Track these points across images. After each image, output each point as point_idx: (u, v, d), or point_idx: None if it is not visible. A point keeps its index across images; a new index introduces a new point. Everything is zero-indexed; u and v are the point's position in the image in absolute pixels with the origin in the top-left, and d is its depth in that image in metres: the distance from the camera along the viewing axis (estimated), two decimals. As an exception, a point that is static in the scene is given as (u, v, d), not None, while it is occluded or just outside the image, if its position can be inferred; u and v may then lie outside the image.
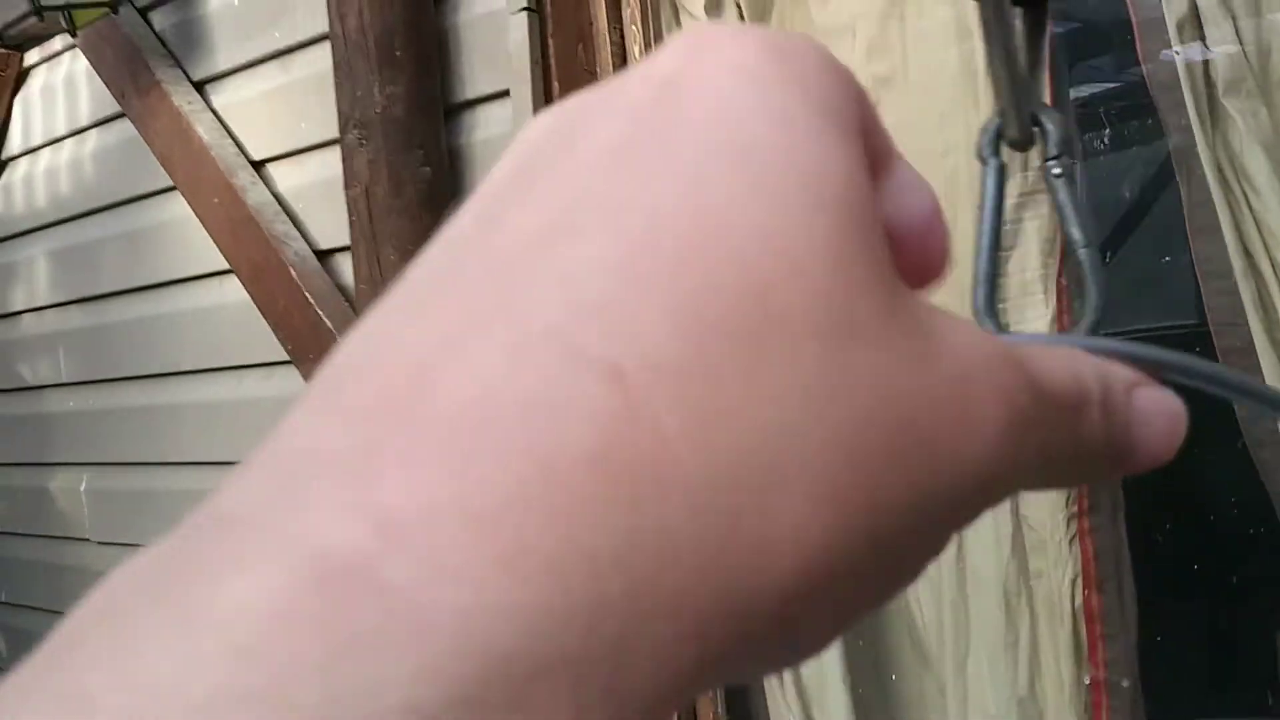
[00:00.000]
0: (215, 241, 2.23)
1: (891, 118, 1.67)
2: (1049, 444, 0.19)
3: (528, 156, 0.18)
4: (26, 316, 2.95)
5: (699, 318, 0.15)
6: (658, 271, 0.15)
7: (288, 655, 0.12)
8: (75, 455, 2.83)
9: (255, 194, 2.15)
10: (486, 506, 0.13)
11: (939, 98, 1.60)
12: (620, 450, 0.14)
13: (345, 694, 0.12)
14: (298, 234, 2.11)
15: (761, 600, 0.15)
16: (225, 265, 2.23)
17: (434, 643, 0.12)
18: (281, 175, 2.19)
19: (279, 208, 2.14)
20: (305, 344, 2.04)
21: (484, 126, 1.86)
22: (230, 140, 2.23)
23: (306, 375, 2.05)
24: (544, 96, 1.70)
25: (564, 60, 1.71)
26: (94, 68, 2.48)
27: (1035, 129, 0.43)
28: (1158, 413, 0.21)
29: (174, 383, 2.52)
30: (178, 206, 2.33)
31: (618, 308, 0.15)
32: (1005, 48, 0.42)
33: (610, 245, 0.15)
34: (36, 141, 2.81)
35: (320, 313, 2.00)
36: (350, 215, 1.86)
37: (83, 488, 2.84)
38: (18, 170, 2.90)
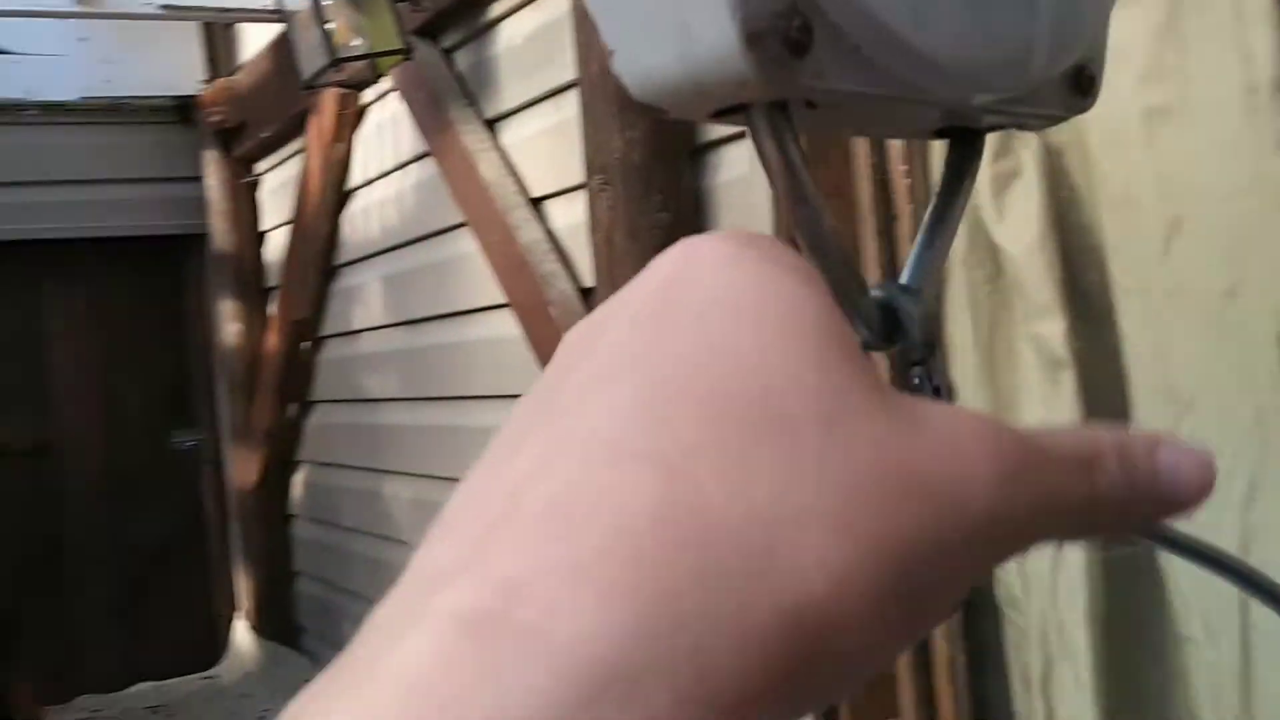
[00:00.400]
0: (496, 276, 2.30)
1: (1167, 155, 1.45)
2: (1056, 495, 0.23)
3: (572, 345, 0.23)
4: (365, 335, 3.21)
5: (717, 414, 0.20)
6: (681, 390, 0.20)
7: (451, 686, 0.17)
8: (402, 465, 3.04)
9: (528, 231, 2.20)
10: (581, 561, 0.18)
11: (1223, 130, 1.36)
12: (673, 508, 0.18)
13: (501, 704, 0.16)
14: (564, 272, 2.13)
15: (806, 616, 0.18)
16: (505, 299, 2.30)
17: (561, 658, 0.17)
18: (556, 212, 2.22)
19: (550, 245, 2.18)
20: (564, 382, 2.07)
21: (728, 167, 1.79)
22: (512, 178, 2.30)
23: (566, 412, 2.07)
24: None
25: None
26: (408, 107, 2.64)
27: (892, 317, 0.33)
28: (1185, 462, 0.24)
29: (471, 406, 2.65)
30: (470, 242, 2.43)
31: (654, 417, 0.19)
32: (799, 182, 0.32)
33: (641, 378, 0.20)
34: (371, 174, 3.04)
35: (575, 353, 2.01)
36: (594, 259, 1.86)
37: (407, 496, 3.05)
38: (358, 201, 3.15)
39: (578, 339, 0.23)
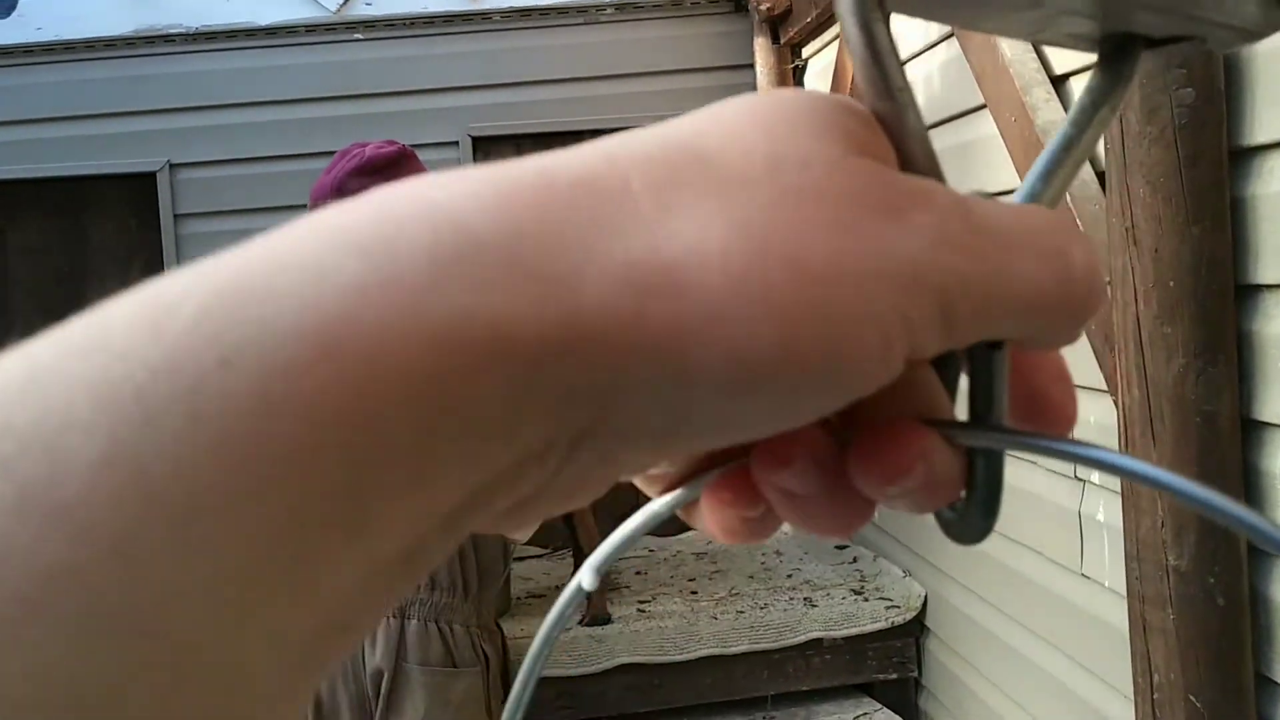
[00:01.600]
0: (1012, 161, 2.22)
1: None
2: (1012, 275, 0.24)
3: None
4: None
5: (674, 146, 0.23)
6: (685, 148, 0.23)
7: (346, 222, 0.20)
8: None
9: (1046, 112, 2.09)
10: (503, 178, 0.21)
11: None
12: (598, 179, 0.22)
13: (386, 241, 0.20)
14: (1082, 154, 2.01)
15: (653, 263, 0.21)
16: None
17: (442, 218, 0.20)
18: (1080, 90, 2.09)
19: (1068, 126, 2.06)
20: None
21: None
22: (1034, 55, 2.19)
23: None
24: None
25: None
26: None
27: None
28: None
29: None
30: (991, 124, 2.36)
31: (657, 158, 0.23)
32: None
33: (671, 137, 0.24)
34: (903, 56, 3.01)
35: (1087, 241, 1.91)
36: (1105, 142, 1.74)
37: (927, 379, 3.07)
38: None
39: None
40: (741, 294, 0.21)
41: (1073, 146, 0.30)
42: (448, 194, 0.21)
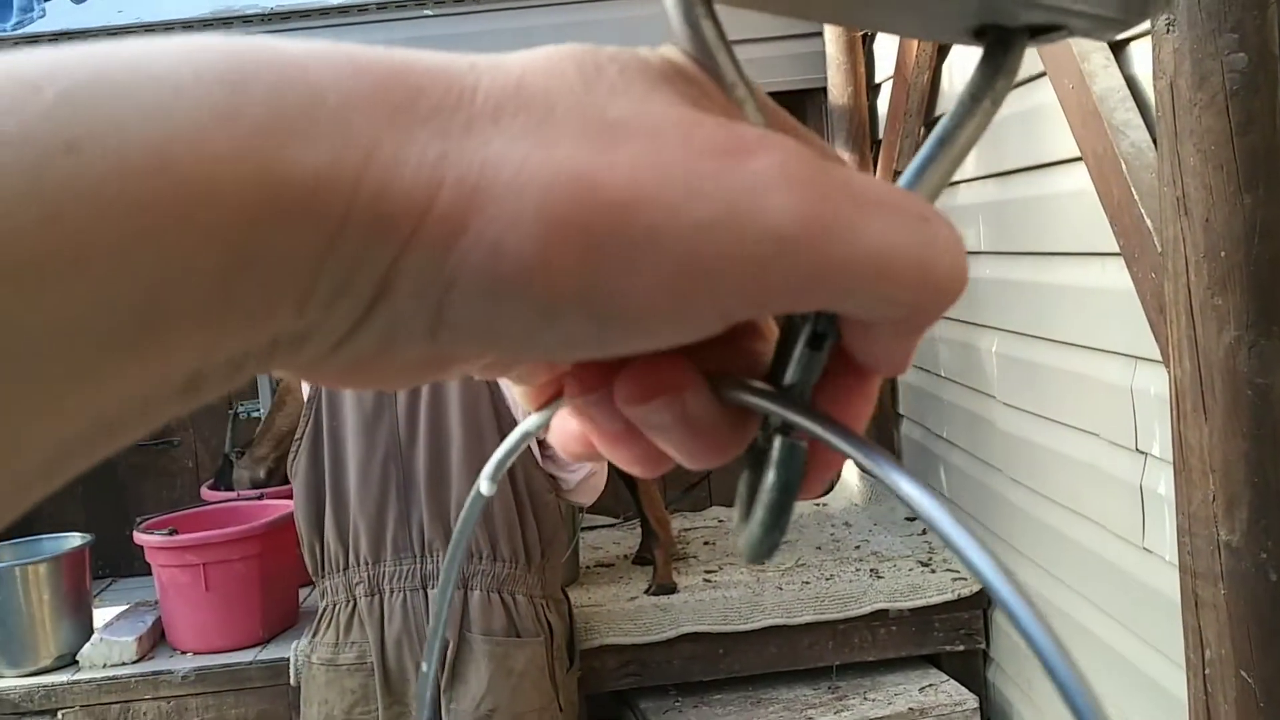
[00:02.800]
0: (1070, 129, 2.18)
1: None
2: (866, 240, 0.23)
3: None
4: (960, 187, 3.19)
5: (531, 72, 0.24)
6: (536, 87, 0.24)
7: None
8: (989, 319, 3.03)
9: (1104, 79, 2.04)
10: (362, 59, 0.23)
11: None
12: (455, 75, 0.23)
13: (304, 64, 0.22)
14: (1140, 123, 1.97)
15: (477, 177, 0.22)
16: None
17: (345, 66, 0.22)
18: (1138, 56, 2.04)
19: (1127, 93, 2.02)
20: (1130, 240, 1.93)
21: (1326, -5, 1.53)
22: (1093, 20, 2.14)
23: (1133, 275, 1.94)
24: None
25: None
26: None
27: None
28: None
29: (1058, 262, 2.55)
30: (1049, 92, 2.32)
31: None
32: None
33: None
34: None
35: (1142, 210, 1.87)
36: (1156, 110, 1.70)
37: (994, 349, 3.04)
38: (955, 49, 3.10)
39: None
40: (520, 200, 0.22)
41: (949, 141, 0.30)
42: (306, 53, 0.22)
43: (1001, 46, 0.30)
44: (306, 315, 0.22)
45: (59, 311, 0.19)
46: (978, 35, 0.30)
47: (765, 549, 0.28)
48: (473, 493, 0.35)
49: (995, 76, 0.30)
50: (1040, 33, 0.30)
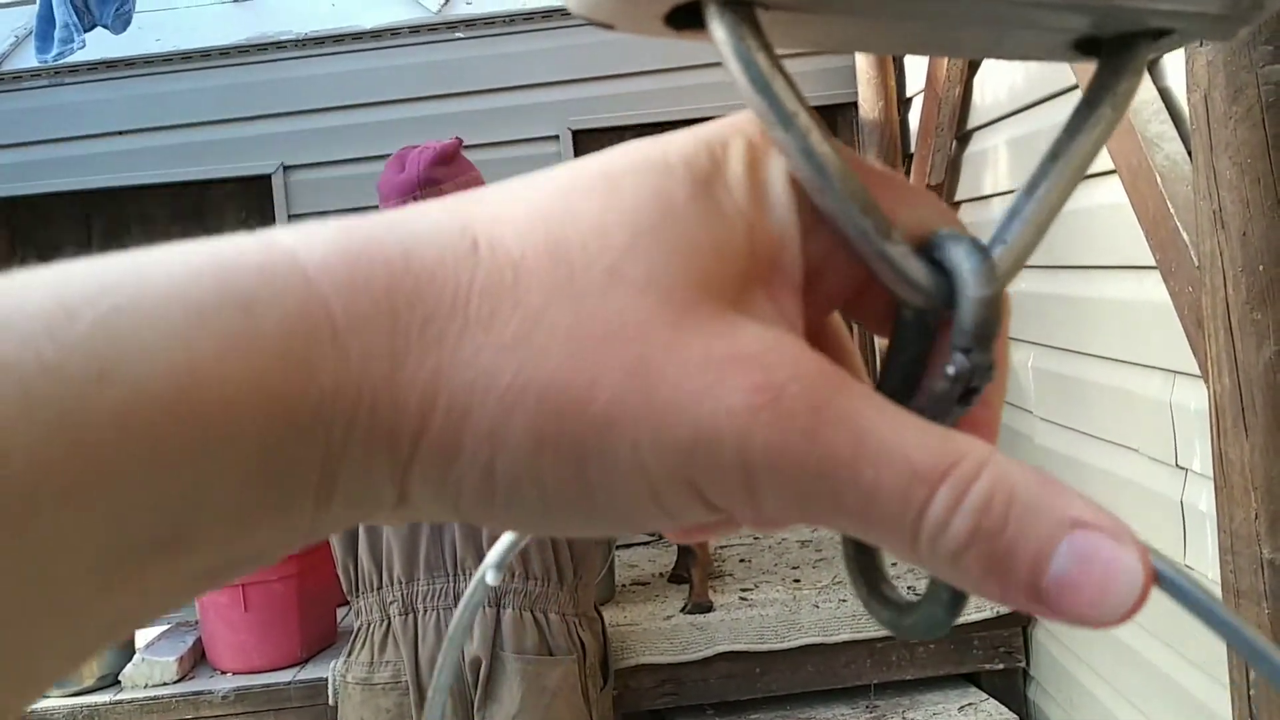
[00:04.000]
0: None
1: None
2: (846, 496, 0.22)
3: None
4: (995, 200, 3.17)
5: (533, 237, 0.24)
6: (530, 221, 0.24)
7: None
8: (1025, 333, 3.01)
9: (1138, 91, 2.02)
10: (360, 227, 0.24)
11: None
12: (450, 271, 0.23)
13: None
14: (1175, 135, 1.95)
15: (467, 396, 0.22)
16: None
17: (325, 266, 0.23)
18: (1172, 68, 2.03)
19: (1160, 105, 2.00)
20: (1167, 253, 1.91)
21: (1362, 5, 1.51)
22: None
23: (1170, 289, 1.92)
24: None
25: None
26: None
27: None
28: (1087, 559, 0.20)
29: (1094, 276, 2.53)
30: (1083, 102, 2.30)
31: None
32: None
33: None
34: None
35: (1178, 223, 1.85)
36: (1192, 121, 1.68)
37: (1030, 363, 3.01)
38: (986, 63, 3.08)
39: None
40: (508, 420, 0.22)
41: (1063, 155, 0.26)
42: (319, 267, 0.23)
43: (1120, 52, 0.27)
44: (332, 511, 0.23)
45: (79, 533, 0.20)
46: (1083, 49, 0.28)
47: (946, 628, 0.27)
48: (475, 580, 0.35)
49: (1118, 78, 0.27)
50: (1156, 36, 0.27)
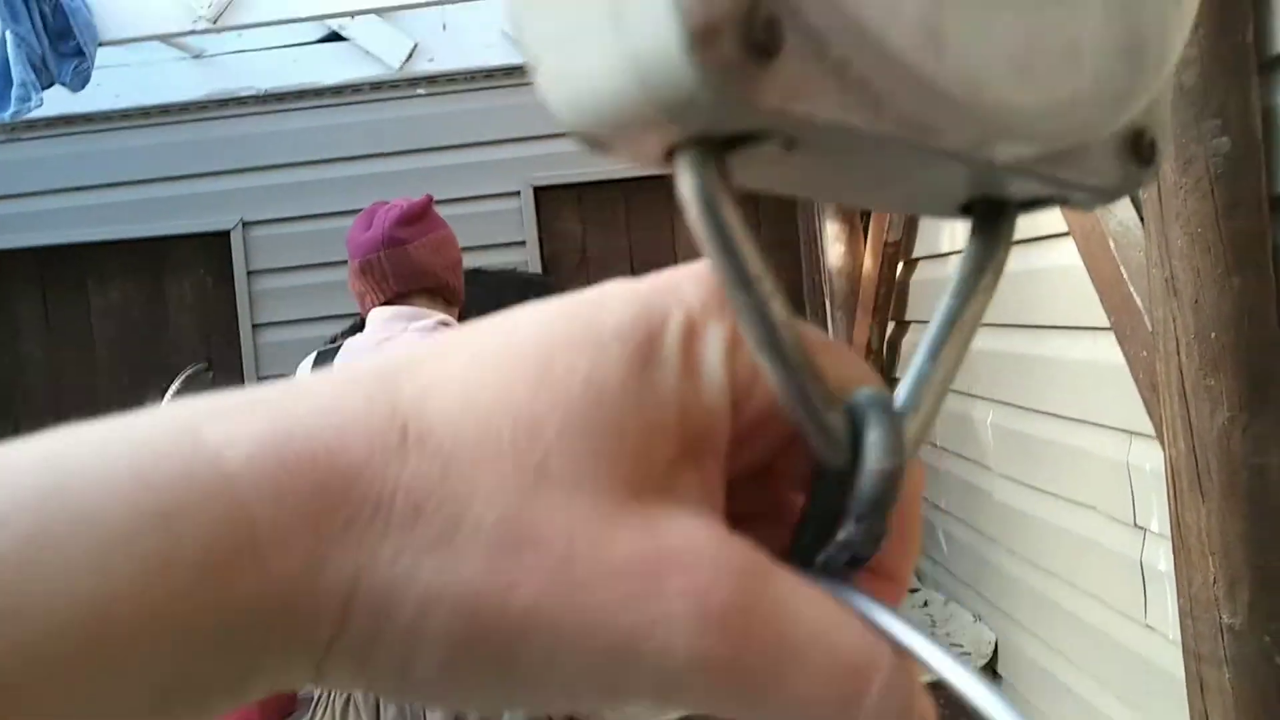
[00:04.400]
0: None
1: None
2: (773, 692, 0.22)
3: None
4: (953, 258, 3.20)
5: (467, 429, 0.23)
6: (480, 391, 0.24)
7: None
8: (984, 391, 3.03)
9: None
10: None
11: None
12: (374, 478, 0.23)
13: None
14: (1127, 200, 1.98)
15: (384, 600, 0.22)
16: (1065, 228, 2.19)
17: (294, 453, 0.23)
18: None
19: (1113, 171, 2.03)
20: (1121, 318, 1.93)
21: (1306, 80, 1.55)
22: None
23: (1126, 352, 1.94)
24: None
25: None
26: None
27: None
28: None
29: (1052, 336, 2.56)
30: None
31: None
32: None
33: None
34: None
35: (1132, 289, 1.88)
36: (1142, 193, 1.71)
37: (989, 420, 3.03)
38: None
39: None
40: (423, 625, 0.22)
41: (959, 320, 0.28)
42: (243, 464, 0.22)
43: (993, 219, 0.29)
44: (246, 695, 0.23)
45: None
46: (965, 210, 0.29)
47: None
48: None
49: (994, 249, 0.29)
50: (1032, 204, 0.29)
